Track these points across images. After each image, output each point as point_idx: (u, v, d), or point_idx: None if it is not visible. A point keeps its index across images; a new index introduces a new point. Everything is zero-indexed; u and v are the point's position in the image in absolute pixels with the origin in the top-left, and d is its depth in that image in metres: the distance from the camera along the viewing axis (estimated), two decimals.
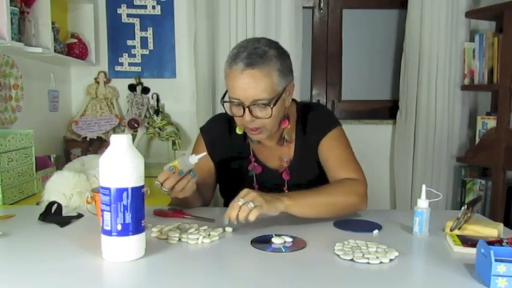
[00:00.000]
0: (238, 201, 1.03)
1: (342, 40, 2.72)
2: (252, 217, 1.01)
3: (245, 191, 1.06)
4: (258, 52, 1.17)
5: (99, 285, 0.82)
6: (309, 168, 1.35)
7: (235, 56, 1.18)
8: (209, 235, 1.03)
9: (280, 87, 1.20)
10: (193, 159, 1.11)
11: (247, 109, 1.19)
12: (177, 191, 1.13)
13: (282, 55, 1.22)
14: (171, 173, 1.11)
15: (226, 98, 1.23)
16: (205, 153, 1.15)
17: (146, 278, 0.84)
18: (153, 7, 2.52)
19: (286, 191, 1.34)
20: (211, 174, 1.41)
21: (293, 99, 1.41)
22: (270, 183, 1.34)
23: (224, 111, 1.32)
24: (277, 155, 1.36)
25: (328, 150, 1.31)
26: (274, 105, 1.19)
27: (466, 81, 2.52)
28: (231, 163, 1.39)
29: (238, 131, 1.32)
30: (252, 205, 1.02)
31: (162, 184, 1.11)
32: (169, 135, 2.43)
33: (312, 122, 1.35)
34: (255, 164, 1.36)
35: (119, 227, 0.87)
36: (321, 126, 1.34)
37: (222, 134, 1.39)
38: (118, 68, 2.56)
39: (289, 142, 1.35)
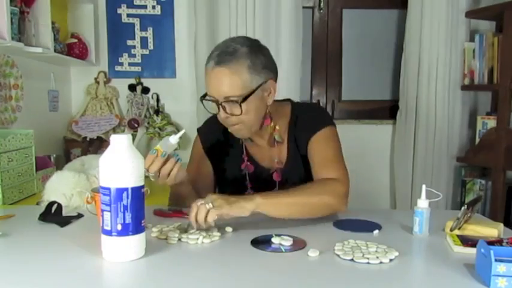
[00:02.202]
0: (198, 202, 1.03)
1: (342, 40, 2.72)
2: (210, 218, 1.01)
3: (209, 195, 1.06)
4: (229, 50, 1.18)
5: (99, 285, 0.82)
6: (301, 169, 1.33)
7: (210, 55, 1.21)
8: (209, 235, 1.03)
9: (253, 84, 1.19)
10: (174, 138, 1.14)
11: (220, 106, 1.21)
12: (163, 176, 1.14)
13: (255, 52, 1.20)
14: (154, 156, 1.12)
15: (207, 97, 1.25)
16: (183, 131, 1.18)
17: (146, 278, 0.84)
18: (153, 7, 2.52)
19: None
20: (210, 176, 1.42)
21: (289, 100, 1.41)
22: (263, 183, 1.34)
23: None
24: (270, 155, 1.36)
25: (315, 148, 1.29)
26: (242, 101, 1.18)
27: (466, 81, 2.52)
28: (227, 162, 1.39)
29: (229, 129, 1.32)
30: (211, 205, 1.02)
31: (147, 170, 1.11)
32: (169, 135, 2.42)
33: (303, 120, 1.34)
34: (248, 163, 1.36)
35: (119, 227, 0.87)
36: (312, 124, 1.32)
37: (217, 134, 1.39)
38: (118, 68, 2.56)
39: (281, 143, 1.34)
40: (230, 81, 1.17)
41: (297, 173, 1.33)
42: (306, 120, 1.33)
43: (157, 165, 1.13)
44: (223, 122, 1.26)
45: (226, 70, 1.17)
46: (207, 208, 1.01)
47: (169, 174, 1.15)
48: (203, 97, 1.26)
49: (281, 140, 1.33)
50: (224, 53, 1.18)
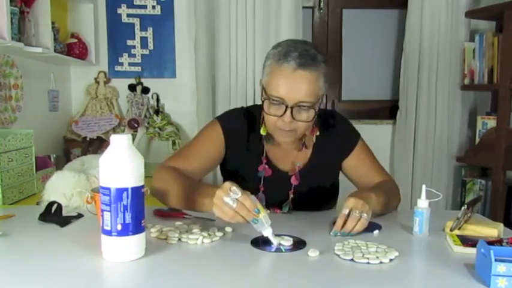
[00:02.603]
0: (355, 213, 1.05)
1: (342, 40, 2.73)
2: (361, 227, 1.05)
3: (352, 200, 1.06)
4: (310, 54, 1.14)
5: (99, 285, 0.82)
6: (319, 176, 1.35)
7: (286, 54, 1.14)
8: (209, 235, 1.03)
9: (321, 92, 1.19)
10: (268, 232, 0.97)
11: (289, 110, 1.15)
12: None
13: (327, 62, 1.20)
14: (254, 215, 0.96)
15: (264, 95, 1.20)
16: (271, 230, 0.99)
17: (146, 278, 0.84)
18: (153, 7, 2.52)
19: (291, 196, 1.33)
20: (213, 163, 1.35)
21: None
22: (276, 187, 1.33)
23: (241, 106, 1.39)
24: (292, 158, 1.34)
25: (358, 163, 1.36)
26: (315, 109, 1.18)
27: (466, 81, 2.52)
28: (242, 161, 1.35)
29: (262, 132, 1.29)
30: (366, 216, 1.05)
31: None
32: (169, 135, 2.43)
33: (334, 136, 1.35)
34: (266, 166, 1.32)
35: (119, 227, 0.87)
36: (345, 143, 1.36)
37: (240, 130, 1.33)
38: (118, 68, 2.56)
39: (307, 148, 1.34)
40: (309, 86, 1.14)
41: (314, 179, 1.34)
42: (338, 134, 1.35)
43: (235, 214, 0.97)
44: (276, 124, 1.19)
45: (308, 75, 1.13)
46: (366, 219, 1.05)
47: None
48: (262, 95, 1.20)
49: (308, 145, 1.34)
50: (306, 57, 1.13)
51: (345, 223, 1.05)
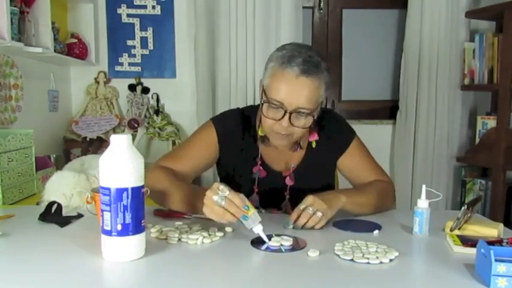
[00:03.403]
0: (309, 210, 1.08)
1: (342, 40, 2.73)
2: (319, 226, 1.09)
3: (310, 198, 1.10)
4: (314, 61, 1.14)
5: (99, 285, 0.82)
6: (315, 176, 1.35)
7: (290, 58, 1.13)
8: (209, 235, 1.03)
9: (321, 99, 1.19)
10: (258, 229, 1.00)
11: (287, 115, 1.14)
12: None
13: (329, 69, 1.20)
14: (243, 212, 0.98)
15: (264, 98, 1.19)
16: (261, 227, 1.01)
17: (146, 278, 0.84)
18: (153, 7, 2.52)
19: (288, 197, 1.33)
20: (206, 165, 1.35)
21: None
22: (271, 187, 1.33)
23: (237, 107, 1.39)
24: (286, 159, 1.35)
25: (352, 162, 1.36)
26: (314, 116, 1.18)
27: (466, 81, 2.52)
28: (237, 162, 1.35)
29: (261, 133, 1.29)
30: (320, 214, 1.08)
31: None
32: (169, 135, 2.43)
33: (329, 133, 1.34)
34: (261, 167, 1.33)
35: (119, 227, 0.87)
36: (339, 142, 1.36)
37: (235, 131, 1.34)
38: (118, 68, 2.56)
39: (302, 148, 1.34)
40: (310, 93, 1.14)
41: (309, 179, 1.33)
42: (329, 135, 1.34)
43: (225, 212, 0.99)
44: (272, 127, 1.19)
45: (310, 82, 1.13)
46: (319, 217, 1.08)
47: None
48: (262, 98, 1.20)
49: (303, 146, 1.33)
50: (310, 63, 1.13)
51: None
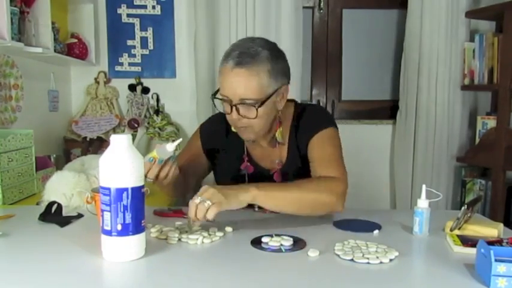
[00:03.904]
0: (196, 200, 1.01)
1: (342, 40, 2.72)
2: (210, 216, 0.99)
3: (204, 187, 1.04)
4: (250, 52, 1.17)
5: (99, 285, 0.82)
6: (302, 169, 1.33)
7: (228, 54, 1.19)
8: (209, 235, 1.03)
9: (270, 89, 1.19)
10: (171, 146, 1.12)
11: (234, 107, 1.19)
12: (161, 179, 1.14)
13: (276, 57, 1.21)
14: (151, 163, 1.11)
15: (219, 95, 1.24)
16: (180, 139, 1.18)
17: (146, 278, 0.84)
18: (153, 7, 2.52)
19: None
20: (203, 167, 1.42)
21: (293, 100, 1.40)
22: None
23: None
24: (270, 156, 1.36)
25: (315, 148, 1.28)
26: (260, 106, 1.18)
27: (466, 81, 2.52)
28: (226, 162, 1.39)
29: (233, 129, 1.31)
30: (209, 203, 0.99)
31: (146, 176, 1.09)
32: (169, 135, 2.43)
33: (304, 121, 1.33)
34: (248, 163, 1.36)
35: (119, 227, 0.87)
36: (313, 125, 1.31)
37: (219, 132, 1.40)
38: (118, 68, 2.56)
39: (282, 144, 1.34)
40: (249, 83, 1.16)
41: (297, 174, 1.32)
42: (307, 121, 1.33)
43: (155, 171, 1.12)
44: (231, 123, 1.26)
45: (246, 72, 1.16)
46: (206, 206, 0.99)
47: (166, 176, 1.15)
48: (214, 95, 1.27)
49: (282, 141, 1.33)
50: (245, 54, 1.17)
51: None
